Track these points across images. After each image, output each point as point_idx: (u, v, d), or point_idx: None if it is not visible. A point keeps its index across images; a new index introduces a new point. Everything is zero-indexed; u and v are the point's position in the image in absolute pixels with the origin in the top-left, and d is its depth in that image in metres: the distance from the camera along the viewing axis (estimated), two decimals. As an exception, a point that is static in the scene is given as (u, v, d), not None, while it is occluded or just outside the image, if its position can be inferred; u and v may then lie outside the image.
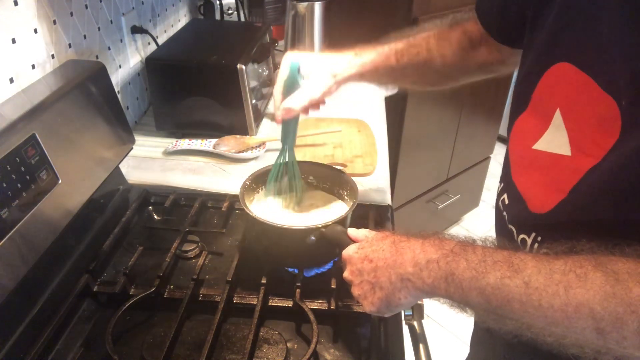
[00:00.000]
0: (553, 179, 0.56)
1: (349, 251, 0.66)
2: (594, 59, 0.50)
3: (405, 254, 0.56)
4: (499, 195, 0.70)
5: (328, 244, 0.76)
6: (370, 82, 0.86)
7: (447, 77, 0.85)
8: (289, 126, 0.83)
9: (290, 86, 0.78)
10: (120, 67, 1.24)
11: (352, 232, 0.71)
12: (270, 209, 0.89)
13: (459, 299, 0.52)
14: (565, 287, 0.44)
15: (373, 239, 0.64)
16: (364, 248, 0.63)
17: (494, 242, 0.54)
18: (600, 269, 0.43)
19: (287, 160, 0.86)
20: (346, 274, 0.65)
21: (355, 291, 0.63)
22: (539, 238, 0.58)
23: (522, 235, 0.61)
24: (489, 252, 0.50)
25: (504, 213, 0.66)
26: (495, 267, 0.48)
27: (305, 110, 0.80)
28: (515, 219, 0.64)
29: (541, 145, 0.58)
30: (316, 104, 0.80)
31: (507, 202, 0.66)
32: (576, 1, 0.54)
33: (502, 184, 0.69)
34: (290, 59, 0.78)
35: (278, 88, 0.79)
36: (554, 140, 0.56)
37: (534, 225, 0.59)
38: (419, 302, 0.64)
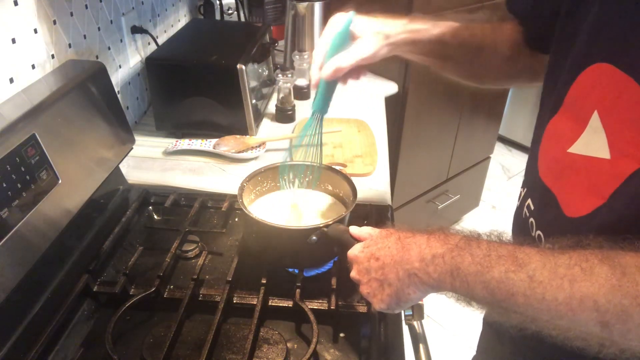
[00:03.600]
0: (592, 183, 0.54)
1: (354, 251, 0.65)
2: (635, 58, 0.49)
3: (411, 250, 0.56)
4: (522, 201, 0.68)
5: (328, 244, 0.76)
6: (418, 56, 0.80)
7: (495, 72, 0.82)
8: (327, 91, 0.75)
9: (339, 45, 0.71)
10: (120, 67, 1.24)
11: (354, 230, 0.71)
12: (270, 207, 0.89)
13: (465, 293, 0.52)
14: (570, 280, 0.44)
15: (378, 237, 0.63)
16: (370, 247, 0.63)
17: (499, 235, 0.54)
18: (607, 263, 0.43)
19: (316, 132, 0.78)
20: (353, 274, 0.65)
21: (364, 290, 0.63)
22: None
23: (548, 245, 0.61)
24: (494, 247, 0.50)
25: (531, 219, 0.65)
26: (499, 261, 0.48)
27: (351, 71, 0.73)
28: (545, 224, 0.62)
29: (577, 148, 0.56)
30: (361, 68, 0.74)
31: (533, 207, 0.65)
32: (616, 1, 0.52)
33: (526, 189, 0.68)
34: (343, 16, 0.73)
35: (323, 46, 0.73)
36: (592, 143, 0.54)
37: (565, 231, 0.57)
38: (419, 302, 0.64)
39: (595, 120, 0.53)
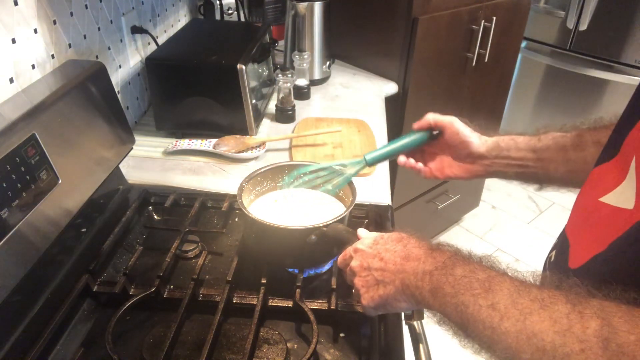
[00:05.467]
0: (601, 233, 0.51)
1: (363, 244, 0.66)
2: None
3: (411, 262, 0.57)
4: (550, 252, 0.67)
5: (328, 244, 0.76)
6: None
7: None
8: (386, 158, 0.86)
9: (415, 140, 0.86)
10: (120, 67, 1.24)
11: (363, 233, 0.70)
12: (269, 207, 0.89)
13: (440, 313, 0.52)
14: (526, 314, 0.42)
15: (389, 239, 0.63)
16: (378, 244, 0.63)
17: (489, 260, 0.53)
18: (571, 303, 0.41)
19: (352, 172, 0.85)
20: (354, 263, 0.65)
21: (359, 282, 0.63)
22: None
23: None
24: (475, 270, 0.50)
25: (547, 272, 0.64)
26: (473, 285, 0.48)
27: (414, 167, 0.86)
28: (555, 277, 0.61)
29: (609, 198, 0.52)
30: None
31: (553, 259, 0.64)
32: None
33: (556, 240, 0.66)
34: (433, 120, 0.84)
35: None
36: (624, 193, 0.50)
37: None
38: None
39: (632, 167, 0.49)
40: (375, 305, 0.61)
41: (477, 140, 0.82)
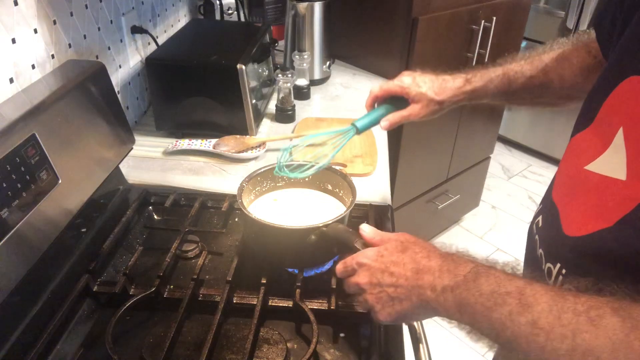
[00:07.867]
0: (599, 204, 0.51)
1: (367, 257, 0.62)
2: None
3: (424, 277, 0.55)
4: (534, 217, 0.67)
5: (328, 244, 0.76)
6: (479, 102, 0.91)
7: (568, 97, 0.81)
8: (374, 123, 0.92)
9: (393, 102, 0.92)
10: (120, 67, 1.24)
11: (366, 233, 0.67)
12: (269, 207, 0.89)
13: (471, 327, 0.51)
14: (574, 330, 0.41)
15: (393, 249, 0.61)
16: (384, 257, 0.61)
17: (513, 268, 0.52)
18: (619, 314, 0.39)
19: (343, 139, 0.90)
20: (361, 280, 0.62)
21: (371, 299, 0.61)
22: (564, 271, 0.55)
23: (548, 264, 0.59)
24: (503, 282, 0.48)
25: (536, 236, 0.64)
26: (506, 299, 0.46)
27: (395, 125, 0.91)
28: (546, 242, 0.61)
29: (595, 166, 0.53)
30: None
31: (541, 224, 0.64)
32: None
33: (541, 206, 0.66)
34: (409, 80, 0.89)
35: (381, 93, 0.93)
36: (611, 162, 0.51)
37: (563, 250, 0.56)
38: None
39: (619, 137, 0.50)
40: (394, 320, 0.60)
41: (438, 91, 0.89)
